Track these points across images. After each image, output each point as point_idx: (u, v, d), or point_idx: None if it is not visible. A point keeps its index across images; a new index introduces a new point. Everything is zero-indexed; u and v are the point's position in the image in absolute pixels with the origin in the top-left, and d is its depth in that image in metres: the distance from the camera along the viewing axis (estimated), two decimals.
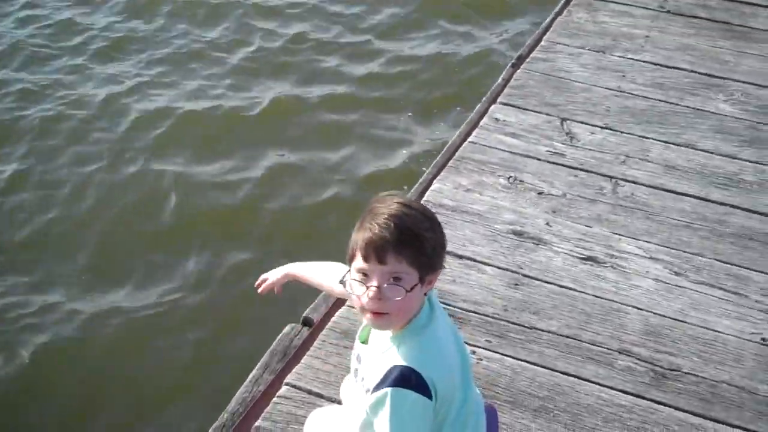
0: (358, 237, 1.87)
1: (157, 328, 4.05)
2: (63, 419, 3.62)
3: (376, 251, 1.84)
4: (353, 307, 2.74)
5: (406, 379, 1.86)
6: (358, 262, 1.88)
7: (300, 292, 3.72)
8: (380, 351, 1.97)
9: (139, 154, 5.16)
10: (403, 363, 1.88)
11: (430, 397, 1.87)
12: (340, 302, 2.99)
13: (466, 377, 2.11)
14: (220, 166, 5.07)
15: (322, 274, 2.33)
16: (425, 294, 1.94)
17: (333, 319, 2.91)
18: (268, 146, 5.27)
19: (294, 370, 2.69)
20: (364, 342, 2.06)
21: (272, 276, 2.43)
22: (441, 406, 1.94)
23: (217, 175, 5.00)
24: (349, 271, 1.92)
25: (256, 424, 2.51)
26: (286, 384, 2.64)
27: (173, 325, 4.06)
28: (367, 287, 1.86)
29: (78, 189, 4.87)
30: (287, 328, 2.98)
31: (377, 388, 1.89)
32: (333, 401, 2.56)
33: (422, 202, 3.46)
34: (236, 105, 5.64)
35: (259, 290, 2.45)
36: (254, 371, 2.82)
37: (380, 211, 1.87)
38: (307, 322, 3.00)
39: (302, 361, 2.73)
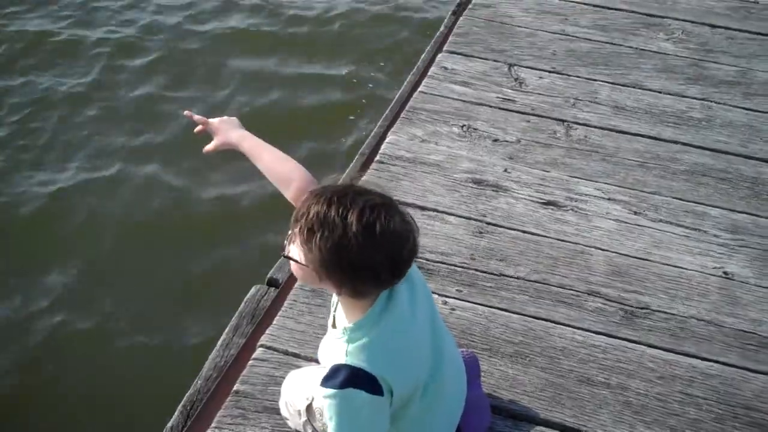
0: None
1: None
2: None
3: None
4: None
5: (355, 379, 1.81)
6: None
7: (260, 254, 3.68)
8: (335, 337, 1.92)
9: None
10: (353, 363, 1.82)
11: (381, 393, 1.83)
12: None
13: (438, 356, 2.04)
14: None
15: (276, 166, 2.13)
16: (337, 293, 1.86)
17: None
18: None
19: (267, 332, 2.63)
20: (333, 324, 2.02)
21: (219, 137, 2.23)
22: (399, 398, 1.90)
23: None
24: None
25: (235, 388, 2.45)
26: (261, 346, 2.58)
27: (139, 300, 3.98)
28: None
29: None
30: (253, 290, 2.92)
31: (325, 383, 1.84)
32: (310, 360, 2.52)
33: (379, 155, 3.42)
34: None
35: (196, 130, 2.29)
36: (224, 335, 2.75)
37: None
38: (272, 283, 2.94)
39: (274, 322, 2.67)
